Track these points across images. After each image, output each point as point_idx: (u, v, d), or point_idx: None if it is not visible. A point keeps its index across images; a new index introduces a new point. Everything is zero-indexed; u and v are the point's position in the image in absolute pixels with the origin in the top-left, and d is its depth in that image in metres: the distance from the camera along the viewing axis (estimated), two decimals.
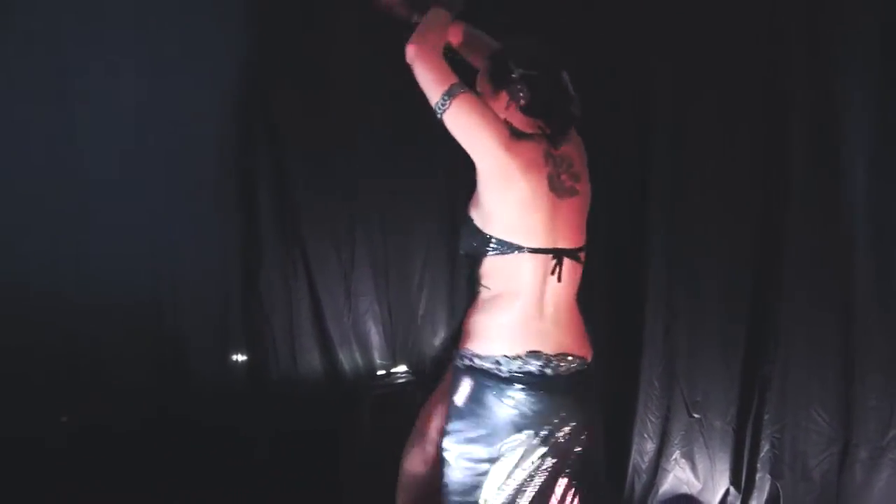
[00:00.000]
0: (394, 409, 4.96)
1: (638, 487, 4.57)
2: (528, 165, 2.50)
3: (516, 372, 2.53)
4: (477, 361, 2.55)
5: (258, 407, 5.25)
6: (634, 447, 4.56)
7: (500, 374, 2.54)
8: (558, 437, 2.53)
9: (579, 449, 2.57)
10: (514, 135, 2.55)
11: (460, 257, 5.32)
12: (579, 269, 2.66)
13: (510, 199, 2.51)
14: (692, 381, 4.52)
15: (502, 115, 2.60)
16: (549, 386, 2.52)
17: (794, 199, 4.14)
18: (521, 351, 2.53)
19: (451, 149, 5.18)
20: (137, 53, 4.94)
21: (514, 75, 2.58)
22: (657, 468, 4.55)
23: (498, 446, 2.55)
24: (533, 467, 2.53)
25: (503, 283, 2.59)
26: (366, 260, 5.43)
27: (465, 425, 2.59)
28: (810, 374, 4.19)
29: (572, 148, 2.71)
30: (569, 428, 2.55)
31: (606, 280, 4.51)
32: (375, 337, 5.50)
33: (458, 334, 2.72)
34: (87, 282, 5.00)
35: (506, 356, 2.54)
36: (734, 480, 4.44)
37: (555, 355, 2.55)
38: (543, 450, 2.52)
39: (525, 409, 2.51)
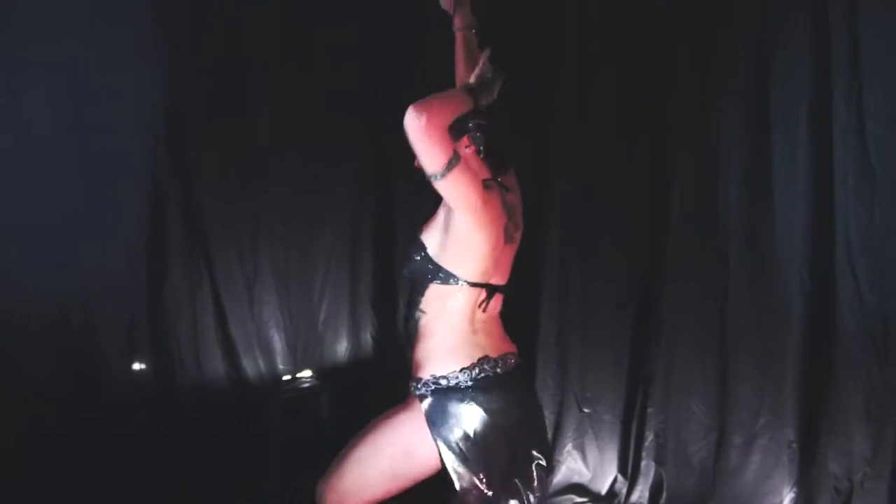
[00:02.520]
0: (300, 413, 5.19)
1: None
2: (495, 217, 2.77)
3: (476, 378, 2.79)
4: (443, 382, 2.80)
5: (163, 411, 5.33)
6: None
7: (461, 385, 2.80)
8: (518, 423, 2.80)
9: (535, 427, 2.85)
10: (485, 187, 2.79)
11: (360, 269, 5.65)
12: (502, 296, 2.97)
13: (474, 244, 2.76)
14: (583, 379, 4.90)
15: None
16: (503, 383, 2.79)
17: (675, 213, 4.56)
18: (475, 360, 2.81)
19: (352, 166, 5.49)
20: (48, 59, 4.92)
21: (470, 124, 2.82)
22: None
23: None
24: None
25: (440, 307, 2.86)
26: (269, 269, 5.59)
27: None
28: (690, 370, 4.61)
29: (516, 196, 2.99)
30: (523, 412, 2.82)
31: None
32: (278, 343, 5.65)
33: (409, 367, 2.98)
34: None
35: (463, 368, 2.81)
36: (622, 468, 4.83)
37: (499, 357, 2.83)
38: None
39: (488, 408, 2.77)
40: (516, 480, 2.75)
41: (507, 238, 2.86)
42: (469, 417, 2.72)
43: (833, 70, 4.04)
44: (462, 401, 2.74)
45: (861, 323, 3.99)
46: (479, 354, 2.82)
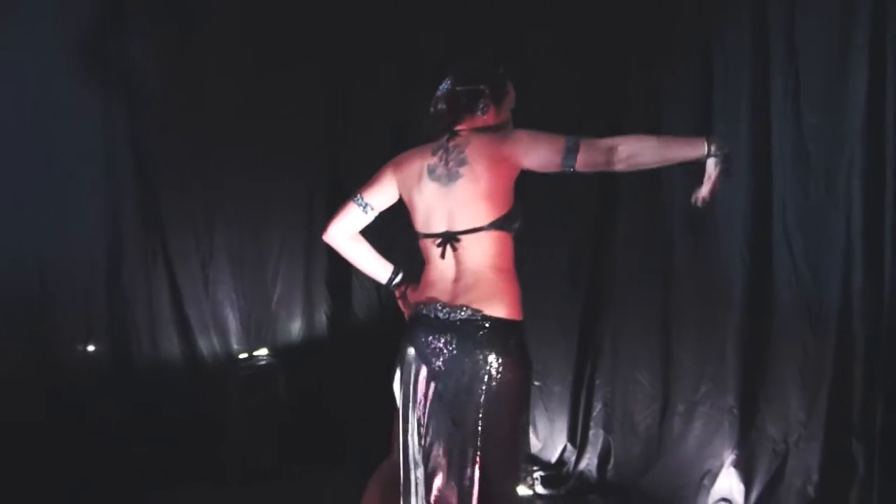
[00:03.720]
0: (257, 391, 5.35)
1: None
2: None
3: (420, 314, 3.00)
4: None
5: (120, 392, 5.42)
6: None
7: (412, 317, 3.04)
8: (442, 367, 2.96)
9: (469, 375, 2.97)
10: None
11: (314, 249, 5.81)
12: (488, 239, 2.95)
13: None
14: (534, 352, 5.10)
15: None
16: (442, 326, 2.96)
17: (623, 194, 4.82)
18: (424, 298, 3.02)
19: (307, 151, 5.63)
20: (8, 41, 4.99)
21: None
22: None
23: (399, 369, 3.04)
24: (422, 388, 2.97)
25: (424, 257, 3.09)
26: (223, 250, 5.73)
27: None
28: (635, 343, 4.90)
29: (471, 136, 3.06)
30: (455, 359, 2.96)
31: None
32: (233, 323, 5.80)
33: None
34: None
35: (417, 302, 3.03)
36: (571, 438, 5.09)
37: (451, 304, 2.98)
38: (428, 371, 2.95)
39: (418, 343, 2.97)
40: None
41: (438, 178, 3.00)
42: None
43: (771, 62, 4.33)
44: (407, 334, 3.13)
45: (797, 296, 4.30)
46: (432, 295, 3.01)
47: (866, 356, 4.15)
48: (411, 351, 2.98)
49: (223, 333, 5.77)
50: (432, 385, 2.90)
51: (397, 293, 3.29)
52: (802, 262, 4.29)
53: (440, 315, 2.94)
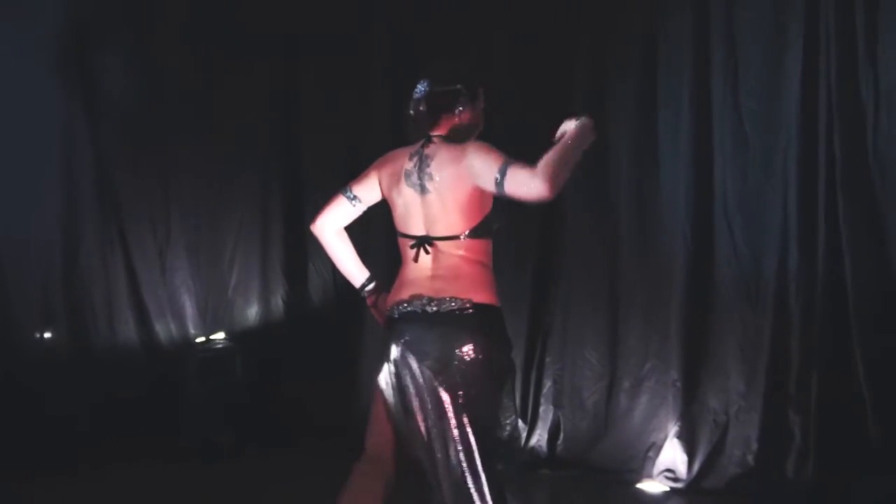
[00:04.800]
0: (214, 373, 5.46)
1: None
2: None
3: (406, 311, 3.07)
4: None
5: (77, 376, 5.49)
6: None
7: (393, 315, 3.10)
8: (437, 357, 3.05)
9: (458, 363, 3.08)
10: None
11: (271, 236, 5.90)
12: (465, 244, 2.97)
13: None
14: None
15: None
16: (430, 320, 3.06)
17: (572, 184, 4.94)
18: (406, 296, 3.09)
19: (264, 141, 5.72)
20: None
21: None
22: None
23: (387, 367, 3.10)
24: (416, 380, 3.05)
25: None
26: (180, 236, 5.82)
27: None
28: (584, 322, 5.07)
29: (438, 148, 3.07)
30: (446, 350, 3.07)
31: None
32: (190, 308, 5.87)
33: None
34: None
35: (398, 300, 3.09)
36: (522, 414, 5.22)
37: (436, 297, 3.09)
38: (421, 366, 3.04)
39: (408, 338, 3.05)
40: None
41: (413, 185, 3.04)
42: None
43: (711, 50, 4.56)
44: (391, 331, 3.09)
45: (737, 273, 4.53)
46: (415, 292, 2.99)
47: (802, 331, 4.39)
48: (401, 348, 2.97)
49: (180, 319, 5.85)
50: (429, 378, 2.95)
51: (369, 300, 3.34)
52: (742, 242, 4.53)
53: (428, 309, 2.95)
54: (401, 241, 3.06)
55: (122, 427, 5.37)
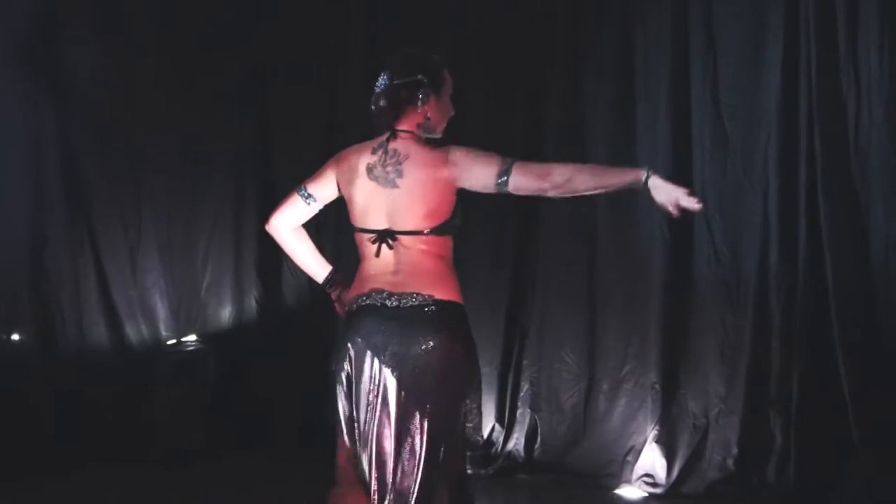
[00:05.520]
0: (185, 375, 5.35)
1: None
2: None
3: (364, 305, 2.99)
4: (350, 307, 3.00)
5: (45, 379, 5.34)
6: None
7: (352, 309, 3.01)
8: (395, 352, 2.96)
9: (415, 360, 2.98)
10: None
11: (244, 236, 5.81)
12: (427, 239, 2.89)
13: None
14: None
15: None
16: (390, 315, 2.97)
17: None
18: (366, 290, 3.01)
19: (237, 140, 5.64)
20: None
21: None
22: None
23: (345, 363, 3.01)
24: (372, 375, 2.96)
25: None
26: (151, 236, 5.67)
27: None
28: (561, 323, 4.98)
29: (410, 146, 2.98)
30: (406, 345, 2.97)
31: None
32: (161, 310, 5.72)
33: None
34: None
35: (358, 294, 3.01)
36: (499, 418, 5.14)
37: (398, 292, 3.01)
38: (378, 361, 2.95)
39: (365, 335, 2.96)
40: None
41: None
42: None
43: (690, 44, 4.48)
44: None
45: (716, 273, 4.46)
46: (375, 287, 2.93)
47: (783, 331, 4.32)
48: (359, 342, 2.88)
49: (151, 320, 5.71)
50: (385, 374, 2.88)
51: (333, 295, 3.27)
52: (721, 241, 4.45)
53: (388, 303, 2.88)
54: (359, 236, 2.97)
55: (91, 430, 5.24)
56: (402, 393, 2.77)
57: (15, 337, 5.41)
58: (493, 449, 5.10)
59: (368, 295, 2.90)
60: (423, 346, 2.81)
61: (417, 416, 2.76)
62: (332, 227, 4.97)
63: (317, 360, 5.35)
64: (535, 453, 4.99)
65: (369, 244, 2.93)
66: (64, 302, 5.49)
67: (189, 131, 5.61)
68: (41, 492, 4.69)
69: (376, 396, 2.81)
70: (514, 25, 5.00)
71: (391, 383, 2.80)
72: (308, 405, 5.27)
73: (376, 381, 2.82)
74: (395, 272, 2.88)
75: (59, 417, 5.29)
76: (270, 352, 5.64)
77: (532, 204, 4.98)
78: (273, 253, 5.74)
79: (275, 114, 5.73)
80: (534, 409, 5.03)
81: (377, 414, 2.80)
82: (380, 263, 2.91)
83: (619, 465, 4.73)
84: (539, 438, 5.00)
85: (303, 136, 5.53)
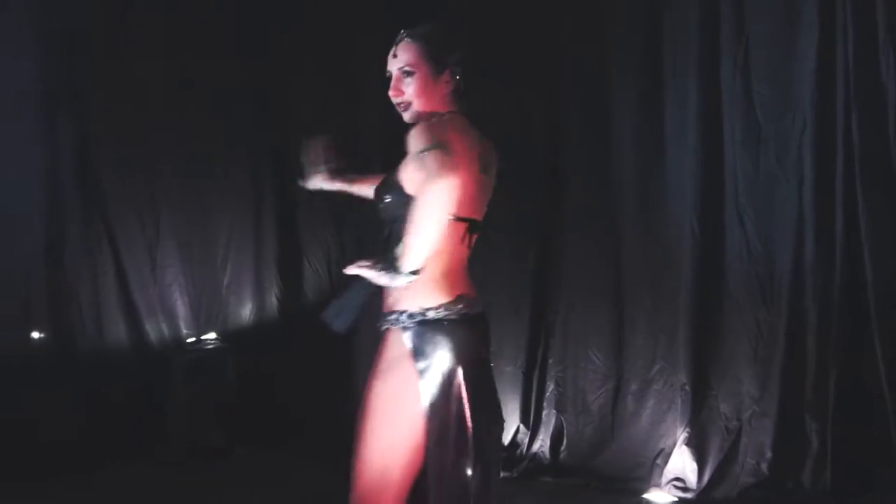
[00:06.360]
0: (204, 374, 5.29)
1: None
2: None
3: (460, 313, 2.75)
4: (430, 314, 2.72)
5: (64, 378, 5.28)
6: None
7: (445, 319, 2.75)
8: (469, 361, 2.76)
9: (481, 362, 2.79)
10: None
11: (264, 231, 5.73)
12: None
13: None
14: None
15: (440, 94, 2.72)
16: (469, 322, 2.78)
17: (572, 171, 4.77)
18: (453, 296, 2.79)
19: (255, 136, 5.59)
20: None
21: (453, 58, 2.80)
22: None
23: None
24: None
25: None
26: (170, 233, 5.61)
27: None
28: (588, 321, 4.84)
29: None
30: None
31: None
32: (181, 307, 5.66)
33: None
34: None
35: (445, 303, 2.77)
36: (524, 419, 5.01)
37: (473, 297, 2.80)
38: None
39: (452, 343, 2.74)
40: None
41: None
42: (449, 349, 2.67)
43: (721, 33, 4.30)
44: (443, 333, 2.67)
45: (749, 270, 4.28)
46: (459, 291, 2.77)
47: (819, 329, 4.13)
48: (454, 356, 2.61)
49: (171, 318, 5.65)
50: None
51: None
52: (754, 235, 4.28)
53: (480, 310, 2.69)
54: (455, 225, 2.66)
55: (110, 429, 5.17)
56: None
57: (34, 336, 5.35)
58: (518, 451, 4.96)
59: (470, 301, 2.66)
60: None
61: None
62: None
63: (336, 357, 5.33)
64: (561, 456, 4.85)
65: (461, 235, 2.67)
66: (83, 300, 5.43)
67: (207, 129, 5.54)
68: (60, 491, 4.64)
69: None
70: (536, 20, 4.85)
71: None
72: (326, 404, 5.16)
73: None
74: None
75: (77, 416, 5.21)
76: (291, 350, 5.56)
77: (556, 197, 4.87)
78: (293, 250, 5.72)
79: (293, 112, 5.65)
80: (559, 410, 4.90)
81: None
82: (462, 259, 2.70)
83: (647, 468, 4.58)
84: (565, 440, 4.86)
85: (322, 133, 5.43)
